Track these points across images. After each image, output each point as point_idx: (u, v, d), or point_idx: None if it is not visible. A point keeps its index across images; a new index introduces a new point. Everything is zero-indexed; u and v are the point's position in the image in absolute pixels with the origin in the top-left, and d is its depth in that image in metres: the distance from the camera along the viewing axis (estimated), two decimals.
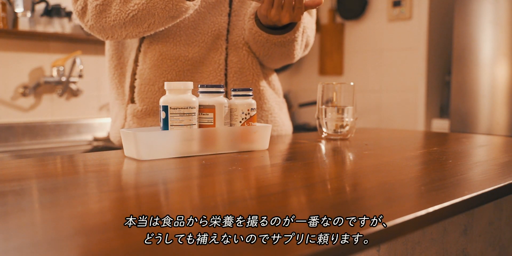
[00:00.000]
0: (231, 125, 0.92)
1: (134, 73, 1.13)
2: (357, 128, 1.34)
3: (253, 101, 0.94)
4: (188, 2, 1.02)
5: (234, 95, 0.93)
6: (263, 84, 1.19)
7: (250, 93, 0.93)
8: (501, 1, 2.39)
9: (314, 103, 3.10)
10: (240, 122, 0.92)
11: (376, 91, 3.17)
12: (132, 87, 1.14)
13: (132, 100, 1.14)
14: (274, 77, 1.27)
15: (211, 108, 0.88)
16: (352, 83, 1.14)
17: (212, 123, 0.89)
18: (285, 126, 1.27)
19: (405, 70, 3.02)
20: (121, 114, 1.16)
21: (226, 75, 1.14)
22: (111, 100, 1.22)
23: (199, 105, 0.88)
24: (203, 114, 0.89)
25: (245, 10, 1.16)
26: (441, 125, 2.87)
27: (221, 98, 0.90)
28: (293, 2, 0.99)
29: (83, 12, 1.07)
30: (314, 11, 1.25)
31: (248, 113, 0.93)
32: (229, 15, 1.14)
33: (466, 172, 0.74)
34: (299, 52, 1.18)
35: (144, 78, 1.11)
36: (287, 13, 1.00)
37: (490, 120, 2.47)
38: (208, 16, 1.12)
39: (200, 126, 0.89)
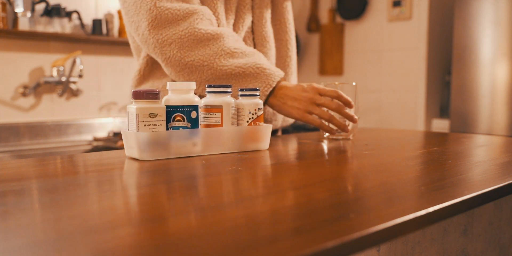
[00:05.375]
0: (238, 124, 0.92)
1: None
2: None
3: (260, 101, 0.93)
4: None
5: (241, 95, 0.93)
6: None
7: (257, 93, 0.93)
8: (501, 1, 2.39)
9: None
10: (247, 121, 0.92)
11: (376, 91, 3.17)
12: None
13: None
14: None
15: (218, 108, 0.88)
16: (354, 83, 1.14)
17: (220, 123, 0.89)
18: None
19: (405, 70, 3.02)
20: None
21: None
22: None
23: (207, 105, 0.88)
24: (211, 114, 0.89)
25: (266, 2, 1.23)
26: (441, 125, 2.87)
27: (228, 98, 0.90)
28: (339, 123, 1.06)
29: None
30: (291, 27, 1.32)
31: (255, 113, 0.92)
32: (252, 7, 1.21)
33: (466, 172, 0.74)
34: None
35: None
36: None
37: (490, 120, 2.47)
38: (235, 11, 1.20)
39: (207, 126, 0.89)
